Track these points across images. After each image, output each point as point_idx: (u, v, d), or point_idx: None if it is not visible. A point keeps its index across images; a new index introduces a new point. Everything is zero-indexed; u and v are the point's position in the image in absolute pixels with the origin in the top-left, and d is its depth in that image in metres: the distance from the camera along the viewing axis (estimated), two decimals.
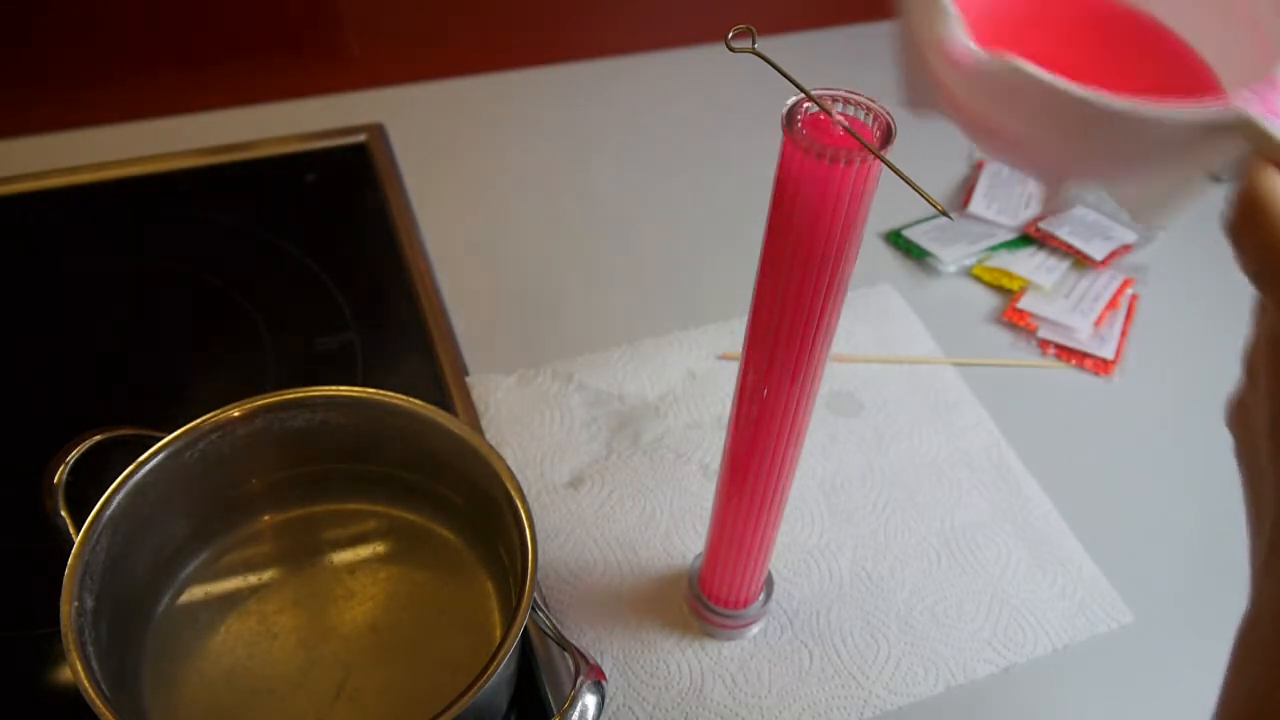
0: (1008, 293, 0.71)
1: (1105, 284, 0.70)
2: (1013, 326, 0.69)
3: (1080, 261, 0.72)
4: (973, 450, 0.61)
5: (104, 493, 0.44)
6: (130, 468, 0.45)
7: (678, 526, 0.56)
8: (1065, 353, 0.67)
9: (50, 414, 0.60)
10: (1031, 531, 0.57)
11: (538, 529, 0.44)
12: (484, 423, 0.60)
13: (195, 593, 0.49)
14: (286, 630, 0.48)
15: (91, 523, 0.43)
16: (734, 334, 0.66)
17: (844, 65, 0.90)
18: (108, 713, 0.37)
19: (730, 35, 0.32)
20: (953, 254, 0.72)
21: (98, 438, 0.46)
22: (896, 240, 0.74)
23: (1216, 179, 0.28)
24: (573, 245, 0.72)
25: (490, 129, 0.81)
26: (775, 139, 0.33)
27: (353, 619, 0.49)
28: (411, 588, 0.50)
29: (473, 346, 0.65)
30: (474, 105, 0.82)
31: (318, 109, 0.80)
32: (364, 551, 0.51)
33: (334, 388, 0.49)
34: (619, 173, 0.78)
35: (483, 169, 0.77)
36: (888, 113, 0.33)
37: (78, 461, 0.45)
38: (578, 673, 0.42)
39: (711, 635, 0.52)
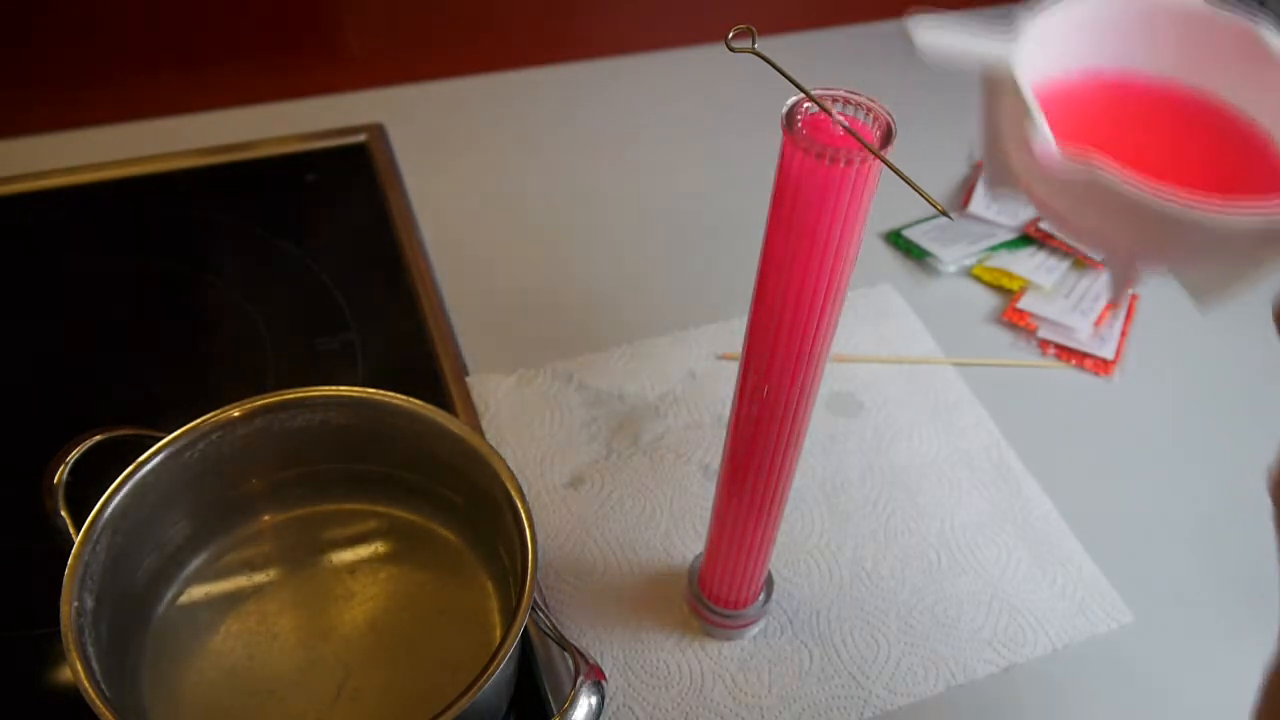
0: (1008, 293, 0.71)
1: (1105, 284, 0.70)
2: (1013, 326, 0.69)
3: (1080, 261, 0.72)
4: (973, 450, 0.61)
5: (104, 493, 0.44)
6: (130, 468, 0.45)
7: (678, 526, 0.57)
8: (1065, 353, 0.67)
9: (50, 414, 0.60)
10: (1031, 531, 0.57)
11: (538, 529, 0.44)
12: (484, 423, 0.60)
13: (195, 593, 0.49)
14: (286, 630, 0.48)
15: (91, 523, 0.43)
16: (734, 334, 0.66)
17: (844, 65, 0.90)
18: (108, 713, 0.37)
19: (730, 35, 0.32)
20: (953, 254, 0.72)
21: (98, 438, 0.46)
22: (896, 240, 0.74)
23: None
24: (573, 245, 0.72)
25: (490, 129, 0.81)
26: (775, 139, 0.33)
27: (353, 619, 0.49)
28: (411, 588, 0.50)
29: (473, 346, 0.65)
30: (474, 105, 0.82)
31: (318, 109, 0.80)
32: (364, 551, 0.51)
33: (334, 388, 0.49)
34: (619, 173, 0.78)
35: (483, 169, 0.77)
36: (888, 113, 0.33)
37: (78, 461, 0.45)
38: (578, 673, 0.42)
39: (711, 635, 0.52)
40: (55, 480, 0.45)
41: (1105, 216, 0.30)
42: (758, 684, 0.51)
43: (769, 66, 0.32)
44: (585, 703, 0.41)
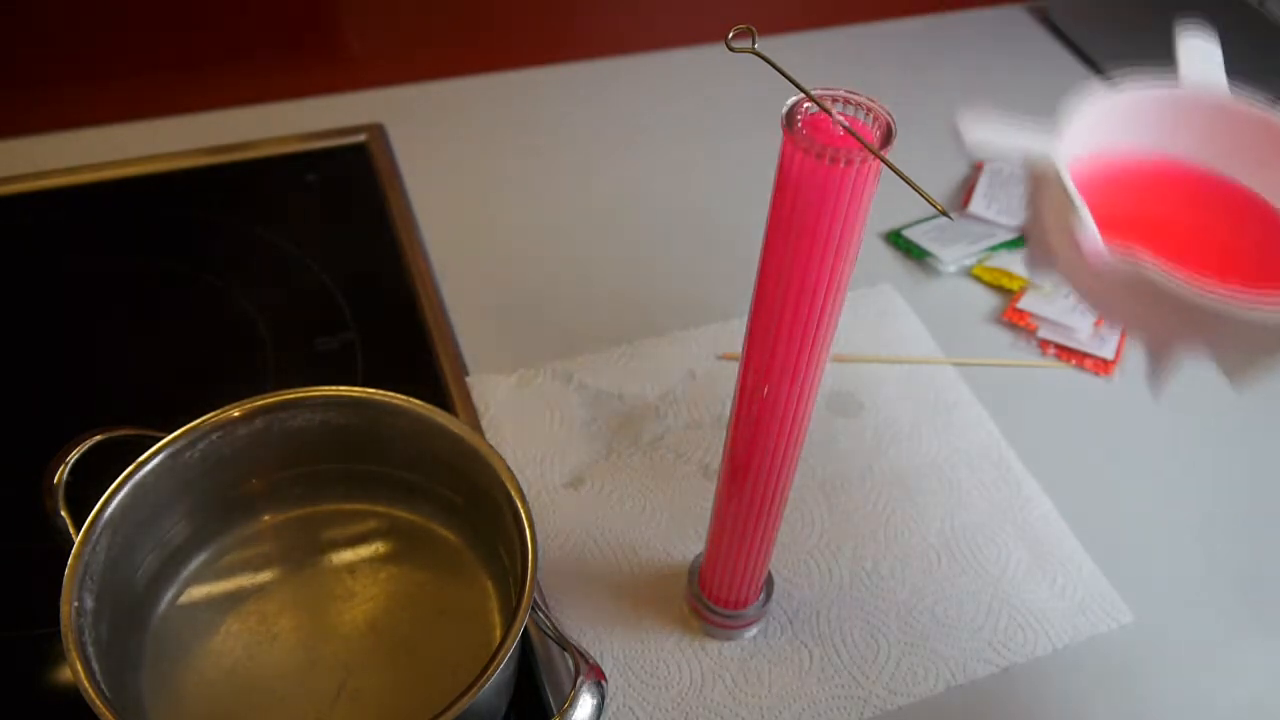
0: (1008, 293, 0.71)
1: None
2: (1013, 326, 0.69)
3: None
4: (973, 450, 0.61)
5: (104, 493, 0.44)
6: (130, 468, 0.45)
7: (678, 526, 0.56)
8: (1065, 353, 0.67)
9: (50, 414, 0.60)
10: (1031, 531, 0.57)
11: (538, 529, 0.44)
12: (484, 423, 0.60)
13: (195, 593, 0.49)
14: (286, 630, 0.48)
15: (91, 523, 0.43)
16: (734, 334, 0.66)
17: (844, 65, 0.90)
18: (108, 713, 0.37)
19: (730, 35, 0.32)
20: (953, 254, 0.72)
21: (98, 438, 0.46)
22: (896, 240, 0.74)
23: None
24: (573, 245, 0.72)
25: (490, 129, 0.81)
26: (775, 139, 0.33)
27: (353, 619, 0.49)
28: (411, 588, 0.50)
29: (473, 346, 0.65)
30: (474, 105, 0.82)
31: (318, 109, 0.80)
32: (364, 551, 0.51)
33: (334, 388, 0.49)
34: (619, 173, 0.78)
35: (483, 169, 0.77)
36: (888, 113, 0.33)
37: (78, 461, 0.45)
38: (578, 673, 0.42)
39: (711, 635, 0.52)
40: (55, 480, 0.45)
41: (1147, 307, 0.32)
42: (758, 684, 0.51)
43: (769, 66, 0.32)
44: (585, 703, 0.41)
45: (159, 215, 0.72)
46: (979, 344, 0.68)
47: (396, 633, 0.48)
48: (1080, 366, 0.67)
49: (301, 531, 0.51)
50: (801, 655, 0.52)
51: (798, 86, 0.32)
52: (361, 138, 0.78)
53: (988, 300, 0.71)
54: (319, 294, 0.67)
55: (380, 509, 0.52)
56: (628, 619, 0.53)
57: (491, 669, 0.40)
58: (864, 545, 0.56)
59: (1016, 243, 0.73)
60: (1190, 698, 0.52)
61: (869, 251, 0.73)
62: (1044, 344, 0.68)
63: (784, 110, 0.33)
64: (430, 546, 0.51)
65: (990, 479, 0.60)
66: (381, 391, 0.49)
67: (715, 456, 0.60)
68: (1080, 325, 0.67)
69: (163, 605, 0.48)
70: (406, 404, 0.48)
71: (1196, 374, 0.69)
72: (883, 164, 0.32)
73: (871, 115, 0.33)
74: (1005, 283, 0.71)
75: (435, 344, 0.64)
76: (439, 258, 0.70)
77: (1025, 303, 0.69)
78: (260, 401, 0.48)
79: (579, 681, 0.41)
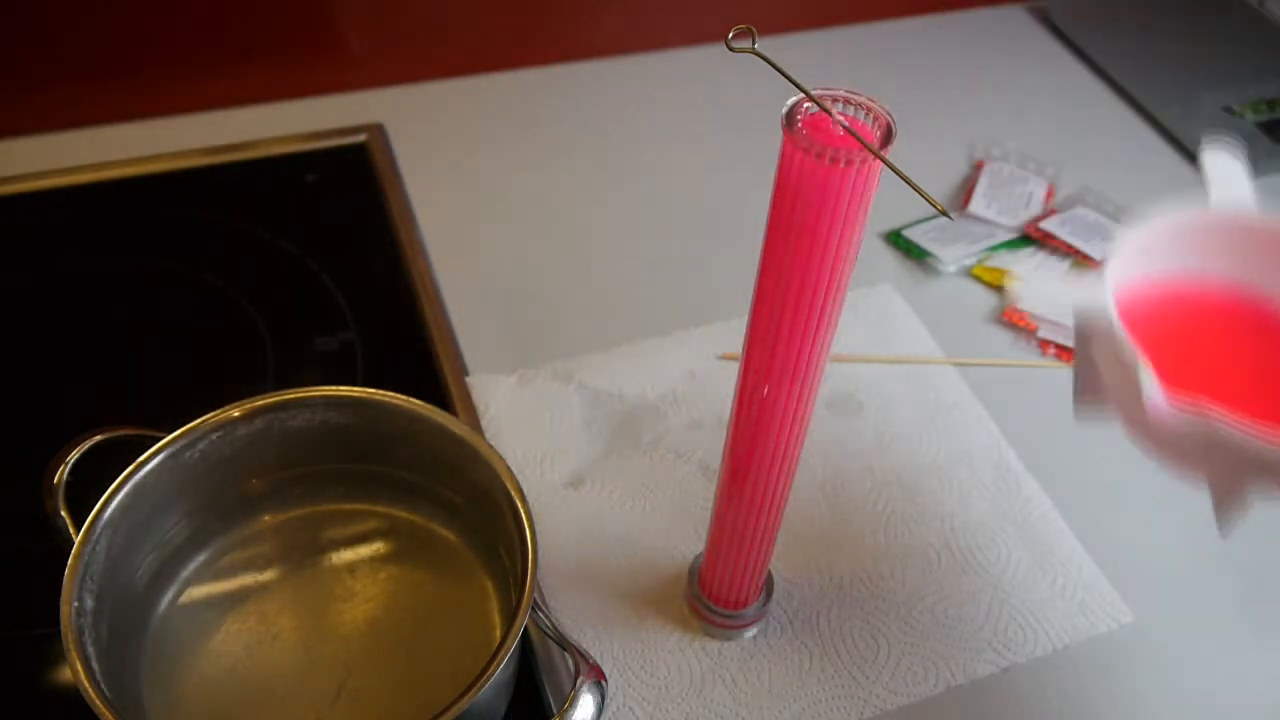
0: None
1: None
2: (1013, 326, 0.69)
3: (1080, 261, 0.72)
4: (973, 450, 0.61)
5: (104, 493, 0.44)
6: (130, 468, 0.45)
7: (678, 526, 0.56)
8: (1065, 353, 0.67)
9: (50, 414, 0.60)
10: (1031, 531, 0.57)
11: (538, 529, 0.44)
12: (484, 423, 0.60)
13: (195, 593, 0.49)
14: (286, 630, 0.48)
15: (91, 523, 0.43)
16: (734, 334, 0.66)
17: (844, 65, 0.90)
18: (108, 713, 0.37)
19: (730, 35, 0.32)
20: (953, 254, 0.72)
21: (98, 438, 0.46)
22: (896, 240, 0.74)
23: None
24: (573, 245, 0.72)
25: (490, 129, 0.81)
26: (775, 139, 0.33)
27: (353, 619, 0.49)
28: (411, 588, 0.50)
29: (473, 346, 0.65)
30: (474, 105, 0.82)
31: (318, 109, 0.80)
32: (364, 551, 0.51)
33: (334, 388, 0.49)
34: (619, 172, 0.78)
35: (483, 169, 0.77)
36: (888, 113, 0.33)
37: (78, 461, 0.45)
38: (578, 673, 0.42)
39: (711, 635, 0.52)
40: (55, 480, 0.45)
41: (1218, 457, 0.33)
42: (758, 684, 0.51)
43: (769, 66, 0.32)
44: (585, 703, 0.41)
45: (159, 215, 0.72)
46: (979, 344, 0.68)
47: (396, 633, 0.48)
48: None
49: (301, 531, 0.51)
50: (801, 655, 0.52)
51: (798, 86, 0.32)
52: (361, 138, 0.78)
53: (988, 300, 0.71)
54: (319, 294, 0.67)
55: (380, 509, 0.52)
56: (628, 619, 0.53)
57: (491, 669, 0.40)
58: (864, 545, 0.56)
59: (1016, 243, 0.73)
60: (1190, 698, 0.52)
61: (869, 251, 0.73)
62: (1044, 344, 0.68)
63: (784, 110, 0.33)
64: (430, 546, 0.51)
65: (990, 479, 0.60)
66: (381, 391, 0.49)
67: (715, 456, 0.60)
68: None
69: (163, 605, 0.48)
70: (406, 404, 0.48)
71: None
72: (883, 164, 0.32)
73: (871, 115, 0.33)
74: (1005, 283, 0.71)
75: (435, 344, 0.64)
76: (439, 258, 0.70)
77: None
78: (260, 401, 0.48)
79: (579, 681, 0.42)
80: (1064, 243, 0.72)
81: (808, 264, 0.35)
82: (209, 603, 0.49)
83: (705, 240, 0.73)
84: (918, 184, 0.31)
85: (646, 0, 0.86)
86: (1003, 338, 0.68)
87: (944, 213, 0.30)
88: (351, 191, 0.74)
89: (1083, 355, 0.36)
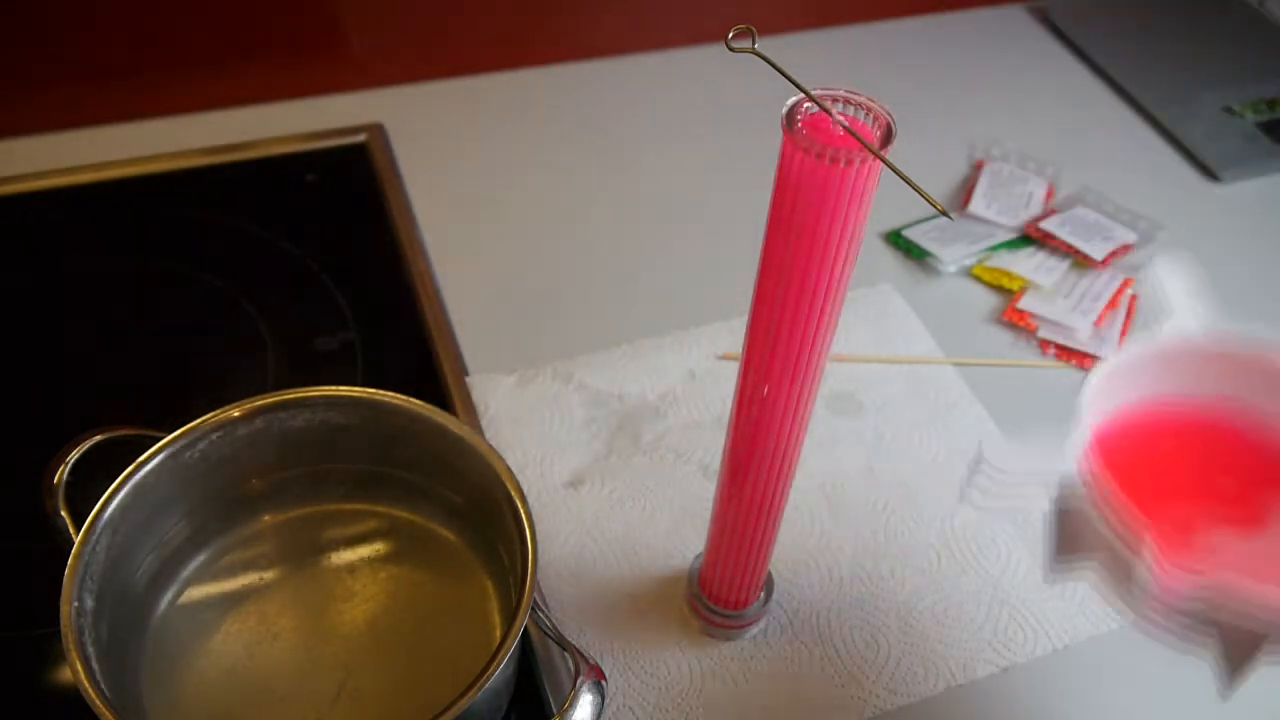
0: (1008, 293, 0.71)
1: (1105, 284, 0.70)
2: (1013, 326, 0.69)
3: (1080, 261, 0.72)
4: (973, 450, 0.61)
5: (104, 493, 0.44)
6: (130, 468, 0.45)
7: (678, 526, 0.56)
8: (1065, 353, 0.67)
9: (50, 414, 0.60)
10: (1032, 531, 0.57)
11: (538, 529, 0.44)
12: (484, 423, 0.60)
13: (195, 593, 0.49)
14: (286, 630, 0.48)
15: (91, 523, 0.43)
16: (734, 334, 0.66)
17: (844, 65, 0.90)
18: (108, 713, 0.37)
19: (730, 35, 0.32)
20: (953, 254, 0.72)
21: (98, 438, 0.46)
22: (896, 240, 0.74)
23: None
24: (573, 245, 0.72)
25: (490, 129, 0.81)
26: (775, 139, 0.33)
27: (353, 619, 0.49)
28: (411, 588, 0.50)
29: (473, 346, 0.65)
30: (474, 105, 0.82)
31: (318, 109, 0.80)
32: (364, 551, 0.51)
33: (334, 388, 0.49)
34: (619, 172, 0.78)
35: (482, 169, 0.77)
36: (888, 113, 0.33)
37: (78, 461, 0.45)
38: (578, 673, 0.42)
39: (711, 635, 0.52)
40: (55, 480, 0.45)
41: (1226, 626, 0.32)
42: (758, 684, 0.51)
43: (769, 66, 0.32)
44: (585, 702, 0.41)
45: (159, 215, 0.72)
46: (979, 344, 0.68)
47: (396, 633, 0.48)
48: (1080, 366, 0.67)
49: (301, 531, 0.51)
50: (801, 655, 0.52)
51: (798, 86, 0.32)
52: (361, 138, 0.78)
53: (988, 300, 0.71)
54: (319, 294, 0.67)
55: (380, 509, 0.52)
56: (628, 619, 0.53)
57: (491, 669, 0.40)
58: (864, 545, 0.56)
59: (1016, 243, 0.73)
60: (1190, 698, 0.52)
61: (869, 251, 0.73)
62: (1044, 344, 0.68)
63: (784, 110, 0.33)
64: (430, 546, 0.51)
65: None
66: (381, 391, 0.49)
67: (715, 456, 0.60)
68: (1080, 325, 0.67)
69: (163, 605, 0.48)
70: (406, 404, 0.48)
71: None
72: (883, 164, 0.32)
73: (871, 115, 0.33)
74: (1005, 283, 0.71)
75: (435, 344, 0.64)
76: (439, 258, 0.70)
77: (1025, 303, 0.69)
78: (260, 401, 0.48)
79: (579, 681, 0.41)
80: (1064, 243, 0.72)
81: (808, 264, 0.35)
82: (209, 603, 0.49)
83: (705, 240, 0.73)
84: (918, 184, 0.31)
85: (646, 0, 0.86)
86: (1003, 338, 0.68)
87: (944, 213, 0.30)
88: (351, 191, 0.74)
89: (1062, 518, 0.36)
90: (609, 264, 0.71)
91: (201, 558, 0.50)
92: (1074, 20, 0.95)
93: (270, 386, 0.48)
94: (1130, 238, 0.73)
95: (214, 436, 0.47)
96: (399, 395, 0.49)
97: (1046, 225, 0.73)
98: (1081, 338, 0.67)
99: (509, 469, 0.46)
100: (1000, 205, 0.76)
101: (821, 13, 0.92)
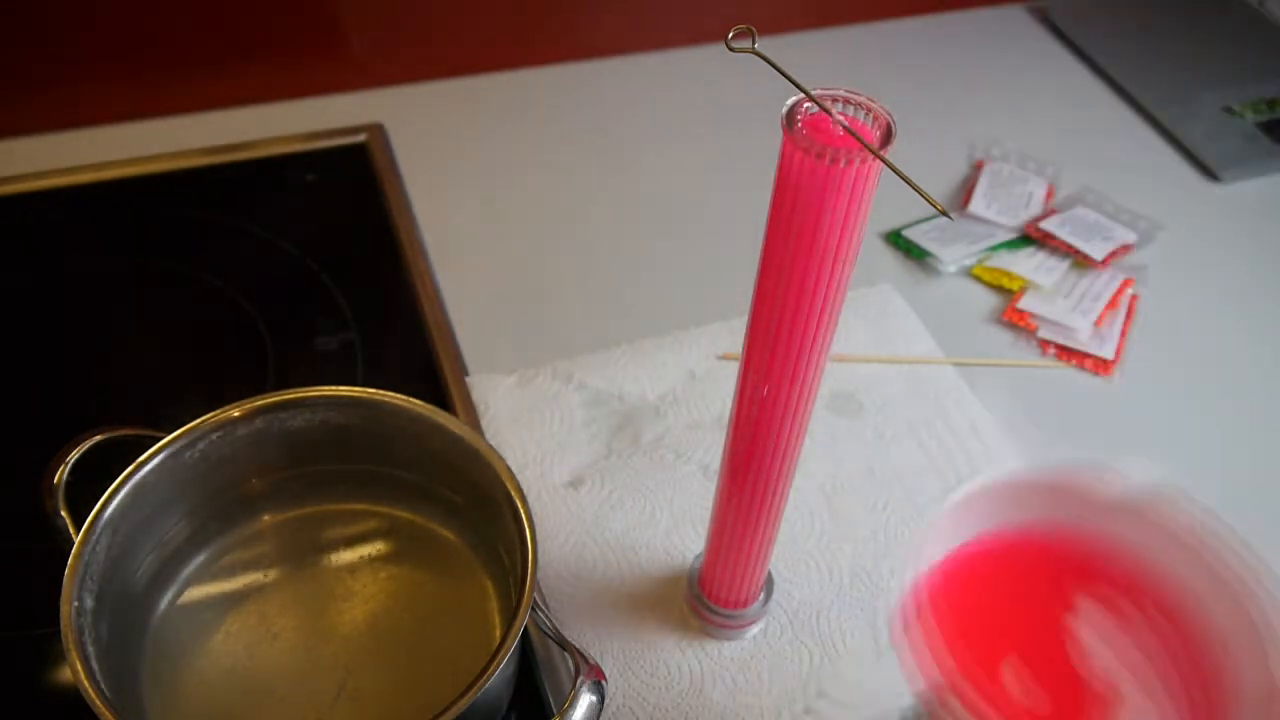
0: (1008, 293, 0.71)
1: (1105, 284, 0.70)
2: (1013, 326, 0.69)
3: (1080, 261, 0.72)
4: (973, 450, 0.61)
5: (104, 493, 0.44)
6: (130, 468, 0.45)
7: (678, 526, 0.56)
8: (1065, 353, 0.67)
9: (50, 414, 0.60)
10: None
11: (538, 529, 0.44)
12: (484, 423, 0.60)
13: (195, 593, 0.49)
14: (287, 630, 0.48)
15: (91, 523, 0.43)
16: (734, 334, 0.66)
17: (844, 65, 0.90)
18: (108, 713, 0.37)
19: (730, 35, 0.32)
20: (953, 254, 0.72)
21: (98, 438, 0.46)
22: (896, 240, 0.74)
23: None
24: (573, 245, 0.72)
25: (490, 129, 0.81)
26: (775, 139, 0.33)
27: (353, 619, 0.49)
28: (411, 588, 0.50)
29: (473, 346, 0.65)
30: (474, 105, 0.82)
31: (318, 109, 0.80)
32: (364, 551, 0.51)
33: (334, 388, 0.49)
34: (619, 173, 0.78)
35: (482, 169, 0.77)
36: (888, 113, 0.33)
37: (78, 461, 0.45)
38: (578, 673, 0.42)
39: (711, 635, 0.52)
40: (55, 480, 0.45)
41: None
42: (758, 684, 0.51)
43: (769, 66, 0.32)
44: (585, 702, 0.41)
45: (159, 215, 0.72)
46: (979, 344, 0.68)
47: (396, 633, 0.48)
48: (1080, 366, 0.67)
49: (301, 531, 0.51)
50: (801, 655, 0.52)
51: (798, 86, 0.32)
52: (361, 138, 0.78)
53: (988, 300, 0.71)
54: (319, 294, 0.67)
55: (380, 509, 0.52)
56: (628, 619, 0.53)
57: (491, 669, 0.40)
58: (864, 545, 0.56)
59: (1016, 243, 0.73)
60: None
61: (869, 251, 0.73)
62: (1044, 344, 0.68)
63: (784, 110, 0.33)
64: (430, 546, 0.51)
65: None
66: (381, 391, 0.49)
67: (715, 456, 0.60)
68: (1080, 325, 0.67)
69: (163, 605, 0.48)
70: (406, 404, 0.48)
71: (1197, 374, 0.69)
72: (883, 164, 0.32)
73: (871, 115, 0.33)
74: (1005, 283, 0.71)
75: (435, 344, 0.64)
76: (439, 258, 0.70)
77: (1025, 303, 0.69)
78: (260, 401, 0.48)
79: (579, 681, 0.41)
80: (1064, 243, 0.72)
81: (808, 264, 0.35)
82: (209, 603, 0.49)
83: (705, 240, 0.73)
84: (918, 184, 0.31)
85: (646, 0, 0.86)
86: (1003, 338, 0.68)
87: (944, 213, 0.30)
88: (351, 191, 0.74)
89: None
90: (609, 264, 0.71)
91: (201, 558, 0.50)
92: (1074, 20, 0.95)
93: (270, 386, 0.48)
94: (1130, 238, 0.73)
95: (214, 436, 0.47)
96: (399, 395, 0.49)
97: (1046, 225, 0.73)
98: (1082, 338, 0.67)
99: (509, 469, 0.46)
100: (1000, 205, 0.76)
101: (821, 13, 0.92)
